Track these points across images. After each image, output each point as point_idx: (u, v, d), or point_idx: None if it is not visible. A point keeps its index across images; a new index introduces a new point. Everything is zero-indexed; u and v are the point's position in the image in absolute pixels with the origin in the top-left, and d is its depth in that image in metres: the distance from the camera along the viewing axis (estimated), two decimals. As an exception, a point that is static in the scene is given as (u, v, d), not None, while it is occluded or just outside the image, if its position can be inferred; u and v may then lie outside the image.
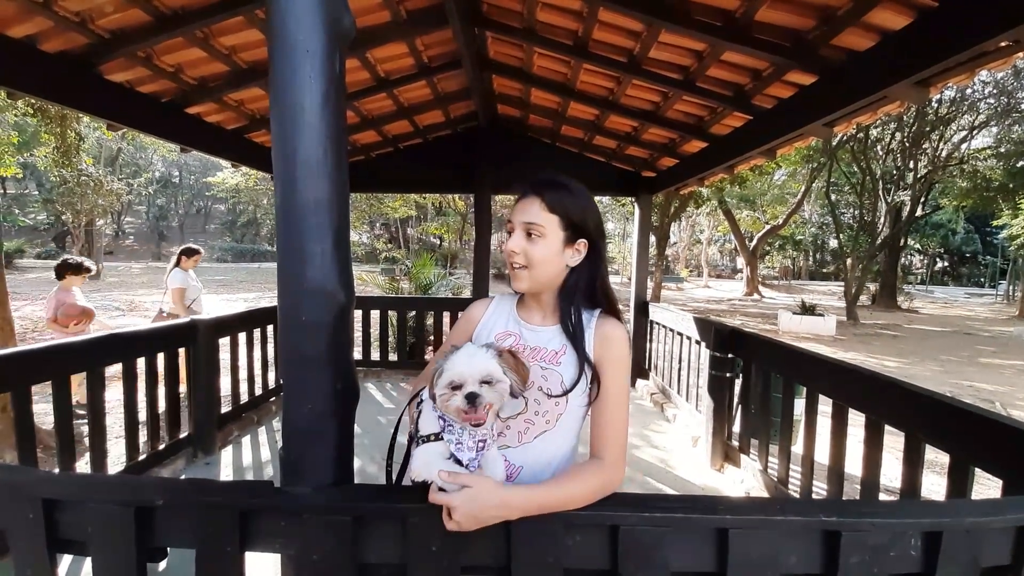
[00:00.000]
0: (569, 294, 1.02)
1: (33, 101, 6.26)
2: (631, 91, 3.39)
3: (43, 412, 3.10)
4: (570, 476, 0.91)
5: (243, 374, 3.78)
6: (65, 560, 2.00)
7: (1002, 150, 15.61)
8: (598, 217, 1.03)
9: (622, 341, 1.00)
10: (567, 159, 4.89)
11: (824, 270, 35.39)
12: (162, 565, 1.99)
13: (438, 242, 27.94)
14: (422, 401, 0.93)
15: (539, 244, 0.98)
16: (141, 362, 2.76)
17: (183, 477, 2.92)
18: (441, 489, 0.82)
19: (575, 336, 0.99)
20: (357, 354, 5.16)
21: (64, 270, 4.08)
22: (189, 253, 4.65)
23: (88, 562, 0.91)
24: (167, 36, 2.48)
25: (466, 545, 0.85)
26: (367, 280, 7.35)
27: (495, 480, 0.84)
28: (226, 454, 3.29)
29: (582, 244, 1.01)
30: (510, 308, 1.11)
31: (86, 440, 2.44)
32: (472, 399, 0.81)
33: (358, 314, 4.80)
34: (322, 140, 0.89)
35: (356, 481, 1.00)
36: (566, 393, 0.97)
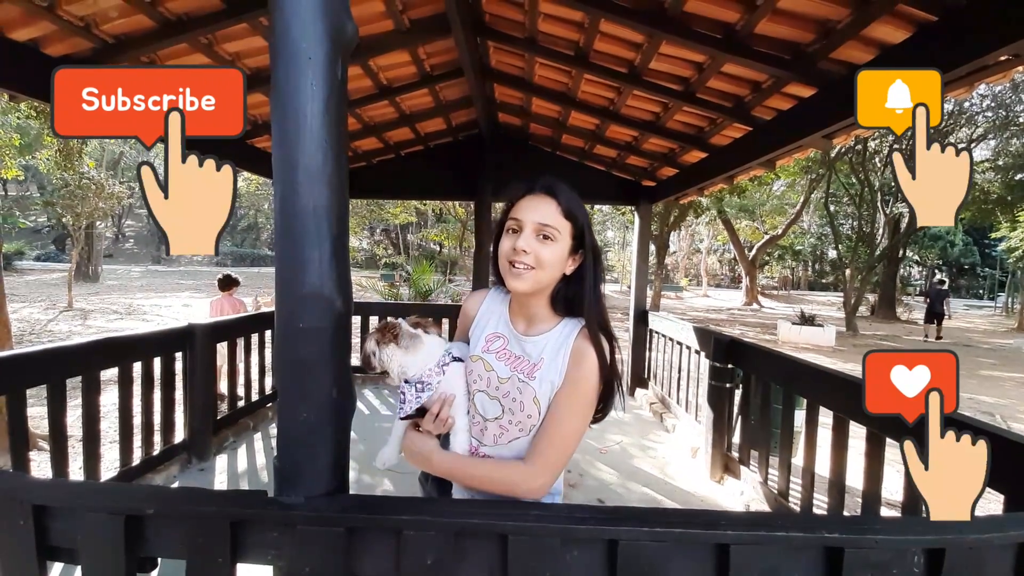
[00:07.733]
0: (564, 306, 1.02)
1: (36, 104, 6.29)
2: (632, 101, 3.41)
3: (38, 416, 3.07)
4: (490, 462, 1.02)
5: (240, 379, 3.76)
6: (56, 568, 1.97)
7: (1000, 163, 15.71)
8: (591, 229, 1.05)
9: (592, 364, 0.97)
10: (567, 168, 4.88)
11: (823, 280, 35.38)
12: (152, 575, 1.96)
13: (438, 248, 27.90)
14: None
15: (550, 247, 0.96)
16: (137, 366, 2.75)
17: (176, 484, 2.89)
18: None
19: (558, 350, 0.99)
20: (355, 360, 5.12)
21: None
22: None
23: (79, 571, 0.89)
24: (171, 42, 2.49)
25: (462, 560, 0.84)
26: (366, 286, 7.37)
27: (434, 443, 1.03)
28: (221, 460, 3.26)
29: (579, 255, 1.01)
30: (502, 308, 1.09)
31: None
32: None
33: (356, 320, 4.78)
34: (323, 147, 0.88)
35: (351, 491, 0.98)
36: (537, 406, 0.99)
